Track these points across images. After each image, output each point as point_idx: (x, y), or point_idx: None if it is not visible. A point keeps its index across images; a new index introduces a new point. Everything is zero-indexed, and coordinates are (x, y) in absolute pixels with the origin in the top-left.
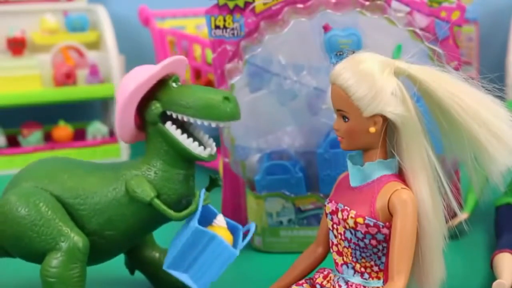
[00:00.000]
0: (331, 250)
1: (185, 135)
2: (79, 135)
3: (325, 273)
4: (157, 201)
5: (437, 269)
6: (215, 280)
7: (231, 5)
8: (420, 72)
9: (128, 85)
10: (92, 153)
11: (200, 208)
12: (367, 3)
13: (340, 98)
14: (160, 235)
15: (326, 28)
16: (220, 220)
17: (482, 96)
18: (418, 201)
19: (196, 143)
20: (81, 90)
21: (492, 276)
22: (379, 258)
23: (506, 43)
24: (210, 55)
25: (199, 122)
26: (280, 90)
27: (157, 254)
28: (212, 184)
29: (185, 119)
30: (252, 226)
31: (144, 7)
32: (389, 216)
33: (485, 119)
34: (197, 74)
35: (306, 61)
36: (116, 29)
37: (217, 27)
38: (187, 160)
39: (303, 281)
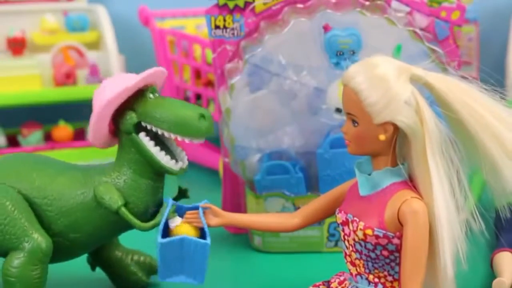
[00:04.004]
0: (345, 260)
1: (158, 148)
2: (79, 135)
3: (341, 278)
4: (124, 210)
5: (451, 274)
6: (206, 268)
7: (231, 5)
8: (437, 81)
9: (105, 93)
10: (92, 153)
11: (164, 221)
12: (367, 3)
13: (351, 102)
14: (126, 234)
15: (326, 28)
16: (175, 221)
17: (500, 109)
18: (429, 211)
19: (168, 156)
20: (81, 90)
21: (492, 275)
22: (392, 268)
23: (506, 43)
24: (210, 55)
25: (172, 136)
26: (280, 90)
27: (119, 254)
28: (180, 195)
29: (159, 132)
30: (203, 202)
31: (144, 7)
32: (400, 226)
33: (501, 136)
34: (197, 74)
35: (306, 61)
36: (116, 29)
37: (217, 27)
38: (158, 172)
39: (320, 282)
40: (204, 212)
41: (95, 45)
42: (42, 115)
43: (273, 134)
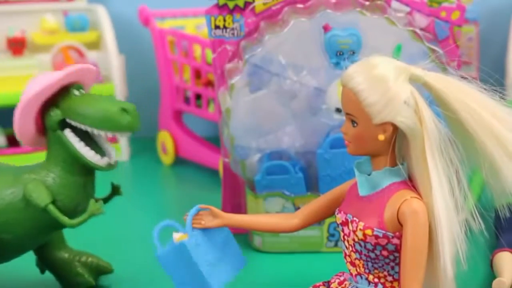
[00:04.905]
0: (345, 260)
1: (82, 143)
2: None
3: (341, 279)
4: (51, 207)
5: (450, 274)
6: (204, 273)
7: (231, 5)
8: (436, 81)
9: (30, 89)
10: None
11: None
12: (367, 3)
13: (350, 102)
14: (75, 236)
15: (326, 28)
16: (176, 235)
17: (500, 109)
18: (429, 210)
19: (93, 152)
20: None
21: (492, 275)
22: (392, 268)
23: (506, 43)
24: (210, 55)
25: (96, 132)
26: (280, 90)
27: (66, 255)
28: (113, 192)
29: (83, 128)
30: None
31: (144, 7)
32: (399, 226)
33: (500, 136)
34: (197, 74)
35: (306, 61)
36: (116, 29)
37: (217, 27)
38: (85, 168)
39: (320, 283)
40: (203, 213)
41: (95, 45)
42: None
43: (273, 134)
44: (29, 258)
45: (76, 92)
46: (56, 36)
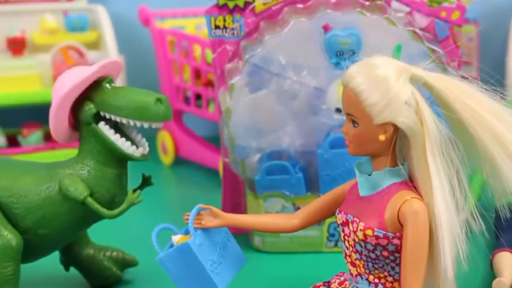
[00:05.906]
0: (345, 261)
1: (118, 135)
2: None
3: (342, 279)
4: (90, 200)
5: (451, 274)
6: (210, 275)
7: (231, 5)
8: (437, 81)
9: (63, 85)
10: None
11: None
12: (367, 3)
13: (351, 103)
14: (99, 232)
15: (326, 28)
16: (176, 238)
17: (500, 109)
18: (429, 211)
19: (129, 142)
20: None
21: (492, 275)
22: (393, 268)
23: (506, 43)
24: (210, 55)
25: (132, 123)
26: (280, 90)
27: (91, 251)
28: (144, 183)
29: (118, 120)
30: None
31: (144, 7)
32: (400, 226)
33: (501, 136)
34: (197, 74)
35: (306, 61)
36: (116, 29)
37: (217, 27)
38: (120, 159)
39: (320, 283)
40: (203, 213)
41: (95, 45)
42: (42, 115)
43: (273, 134)
44: (53, 256)
45: (108, 86)
46: (56, 36)
